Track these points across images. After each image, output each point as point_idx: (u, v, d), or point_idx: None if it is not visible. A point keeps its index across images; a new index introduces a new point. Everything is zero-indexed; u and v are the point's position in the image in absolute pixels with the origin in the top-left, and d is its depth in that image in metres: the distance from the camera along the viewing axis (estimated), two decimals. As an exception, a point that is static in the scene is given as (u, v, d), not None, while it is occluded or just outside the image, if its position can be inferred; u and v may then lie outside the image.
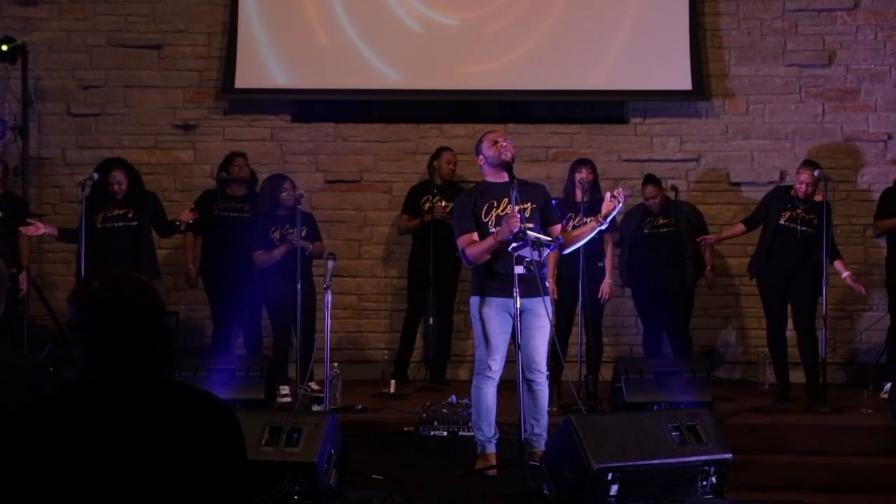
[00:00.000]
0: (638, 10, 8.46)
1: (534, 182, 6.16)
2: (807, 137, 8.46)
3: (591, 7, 8.49)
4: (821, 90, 8.49)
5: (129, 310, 2.06)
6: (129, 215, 7.37)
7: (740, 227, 7.46)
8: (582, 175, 7.21)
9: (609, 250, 7.41)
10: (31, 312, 7.81)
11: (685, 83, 8.37)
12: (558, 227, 5.78)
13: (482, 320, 5.62)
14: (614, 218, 6.06)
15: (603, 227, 5.68)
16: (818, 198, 7.05)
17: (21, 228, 7.38)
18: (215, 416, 2.04)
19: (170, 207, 8.03)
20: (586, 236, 5.77)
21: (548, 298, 5.62)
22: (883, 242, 7.80)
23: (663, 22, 8.41)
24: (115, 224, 7.31)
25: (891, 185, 7.70)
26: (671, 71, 8.41)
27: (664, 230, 7.57)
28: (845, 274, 7.15)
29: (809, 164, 7.20)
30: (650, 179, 7.71)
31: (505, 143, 5.73)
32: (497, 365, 5.62)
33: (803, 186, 7.03)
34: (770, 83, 8.52)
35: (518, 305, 5.42)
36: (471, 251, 5.61)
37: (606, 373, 7.36)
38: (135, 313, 2.06)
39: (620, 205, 5.54)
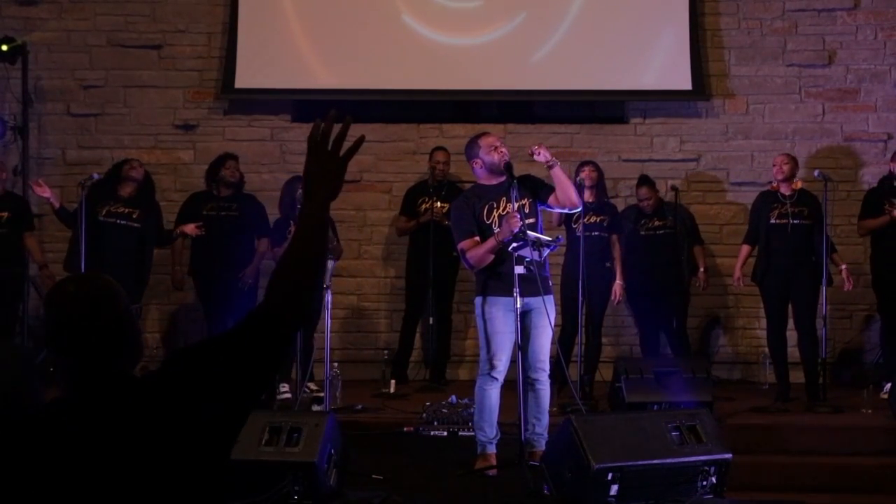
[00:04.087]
0: (638, 10, 8.46)
1: (521, 175, 6.04)
2: (807, 137, 8.47)
3: (591, 7, 8.48)
4: (821, 90, 8.49)
5: (111, 312, 2.04)
6: (134, 216, 7.38)
7: (746, 249, 7.43)
8: (584, 175, 7.25)
9: (618, 252, 7.42)
10: (30, 313, 7.81)
11: (685, 83, 8.38)
12: (552, 195, 5.70)
13: (488, 320, 5.60)
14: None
15: (555, 165, 5.61)
16: (797, 185, 7.15)
17: (31, 182, 7.55)
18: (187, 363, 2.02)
19: (170, 207, 8.04)
20: (563, 181, 5.67)
21: (550, 297, 5.62)
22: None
23: (663, 22, 8.42)
24: (118, 221, 7.31)
25: (874, 185, 7.75)
26: (671, 71, 8.41)
27: (661, 232, 7.62)
28: (843, 266, 7.19)
29: (784, 153, 7.39)
30: (645, 181, 7.76)
31: (504, 150, 5.71)
32: (503, 365, 5.60)
33: (785, 168, 7.12)
34: (770, 83, 8.52)
35: (520, 305, 5.42)
36: (472, 254, 5.59)
37: (606, 373, 7.36)
38: (116, 315, 2.05)
39: (541, 149, 5.59)
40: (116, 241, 7.27)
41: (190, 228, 7.46)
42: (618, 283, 7.38)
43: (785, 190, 7.16)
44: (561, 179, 5.63)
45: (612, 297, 7.38)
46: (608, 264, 7.37)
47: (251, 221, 7.62)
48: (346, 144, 2.12)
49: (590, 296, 7.10)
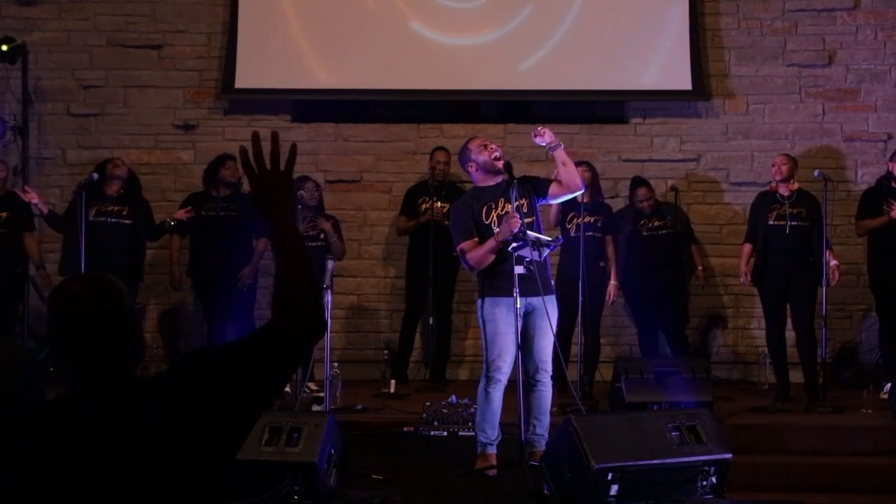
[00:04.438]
0: (638, 10, 8.46)
1: (519, 176, 6.03)
2: (807, 137, 8.46)
3: (591, 7, 8.48)
4: (821, 90, 8.49)
5: (115, 310, 2.05)
6: (124, 213, 7.41)
7: (747, 248, 7.41)
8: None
9: (611, 252, 7.44)
10: (30, 312, 7.80)
11: (685, 83, 8.38)
12: (553, 184, 5.71)
13: (490, 321, 5.59)
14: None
15: (558, 147, 5.59)
16: (794, 186, 7.14)
17: (17, 190, 7.57)
18: (193, 370, 2.03)
19: (169, 207, 8.04)
20: (567, 162, 5.66)
21: (551, 297, 5.62)
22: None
23: (663, 22, 8.41)
24: (109, 219, 7.33)
25: (872, 184, 7.75)
26: (671, 71, 8.41)
27: (663, 231, 7.64)
28: (833, 262, 7.15)
29: (783, 153, 7.41)
30: (642, 182, 7.79)
31: (494, 146, 5.70)
32: (507, 367, 5.59)
33: (783, 169, 7.11)
34: (770, 83, 8.52)
35: (519, 305, 5.41)
36: (472, 255, 5.59)
37: (606, 373, 7.37)
38: (120, 313, 2.05)
39: (545, 131, 5.56)
40: (109, 239, 7.28)
41: (180, 214, 7.52)
42: (612, 284, 7.41)
43: (783, 190, 7.17)
44: (565, 161, 5.64)
45: (607, 298, 7.41)
46: (602, 264, 7.38)
47: (250, 221, 7.63)
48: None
49: (585, 296, 7.13)
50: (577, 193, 5.87)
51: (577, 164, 7.44)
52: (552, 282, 5.77)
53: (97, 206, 7.35)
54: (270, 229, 2.10)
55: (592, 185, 7.36)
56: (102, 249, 7.17)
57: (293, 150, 2.13)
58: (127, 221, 7.42)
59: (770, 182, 7.43)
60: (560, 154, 5.61)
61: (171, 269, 7.76)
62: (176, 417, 1.96)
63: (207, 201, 7.62)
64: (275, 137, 2.10)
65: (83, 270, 6.74)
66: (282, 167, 2.10)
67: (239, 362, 2.02)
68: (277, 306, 2.05)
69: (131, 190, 7.57)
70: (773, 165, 7.26)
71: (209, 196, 7.64)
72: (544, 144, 5.63)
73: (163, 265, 8.07)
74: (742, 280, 7.44)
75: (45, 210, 7.39)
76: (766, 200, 7.26)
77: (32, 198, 7.32)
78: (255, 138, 2.09)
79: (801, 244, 7.06)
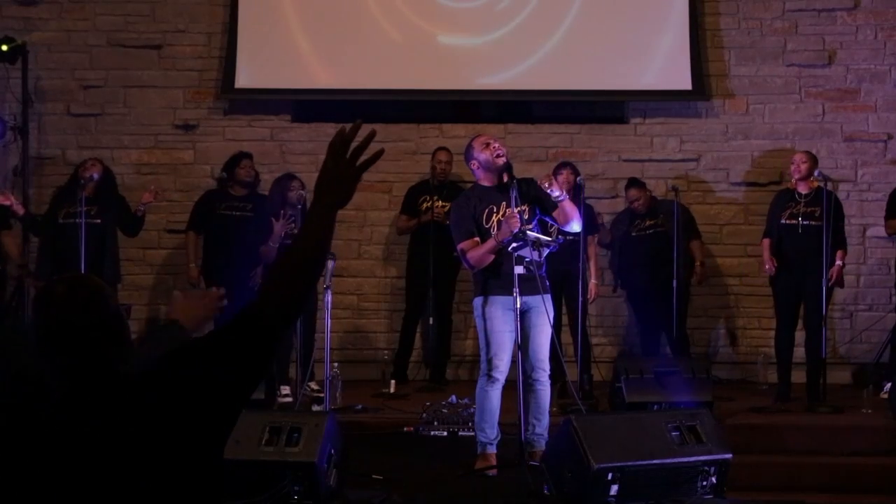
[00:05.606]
0: (638, 10, 8.46)
1: (524, 178, 5.94)
2: (807, 137, 8.46)
3: (591, 7, 8.48)
4: (821, 90, 8.48)
5: (100, 311, 2.05)
6: (93, 213, 7.29)
7: (766, 241, 7.31)
8: (562, 177, 7.26)
9: (592, 251, 7.48)
10: (29, 312, 7.80)
11: (685, 83, 8.38)
12: (557, 211, 5.70)
13: (487, 320, 5.60)
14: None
15: (564, 199, 5.60)
16: (813, 185, 7.10)
17: None
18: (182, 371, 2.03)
19: (170, 207, 8.05)
20: (569, 211, 5.65)
21: (548, 297, 5.62)
22: (887, 243, 7.80)
23: (663, 22, 8.42)
24: (77, 220, 7.15)
25: None
26: (671, 71, 8.41)
27: (650, 231, 7.68)
28: (838, 262, 7.10)
29: (803, 151, 7.38)
30: (633, 182, 7.83)
31: (497, 145, 5.70)
32: (504, 365, 5.60)
33: (802, 167, 7.07)
34: (770, 83, 8.52)
35: (519, 305, 5.42)
36: (472, 254, 5.59)
37: (606, 373, 7.37)
38: (105, 314, 2.06)
39: (554, 183, 5.57)
40: (78, 241, 7.11)
41: (146, 197, 7.43)
42: (592, 283, 7.46)
43: (802, 189, 7.13)
44: (567, 211, 5.63)
45: (589, 296, 7.42)
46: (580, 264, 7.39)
47: (265, 222, 7.56)
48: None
49: (570, 295, 7.13)
50: (572, 234, 5.90)
51: (563, 164, 7.51)
52: (547, 282, 5.78)
53: (67, 209, 7.26)
54: (311, 208, 2.12)
55: (573, 187, 7.32)
56: (72, 251, 7.05)
57: (377, 155, 2.16)
58: (96, 221, 7.29)
59: (779, 181, 7.40)
60: (566, 204, 5.62)
61: (188, 266, 7.72)
62: (161, 414, 1.96)
63: (224, 200, 7.58)
64: (370, 135, 2.13)
65: (61, 273, 6.66)
66: (357, 163, 2.12)
67: (218, 349, 2.03)
68: (269, 284, 2.09)
69: (104, 189, 7.46)
70: (793, 163, 7.21)
71: (226, 195, 7.60)
72: (553, 196, 5.58)
73: (172, 265, 8.05)
74: (767, 267, 7.21)
75: (21, 212, 7.34)
76: (783, 199, 7.24)
77: (7, 200, 7.20)
78: (357, 125, 2.12)
79: (814, 243, 6.99)
